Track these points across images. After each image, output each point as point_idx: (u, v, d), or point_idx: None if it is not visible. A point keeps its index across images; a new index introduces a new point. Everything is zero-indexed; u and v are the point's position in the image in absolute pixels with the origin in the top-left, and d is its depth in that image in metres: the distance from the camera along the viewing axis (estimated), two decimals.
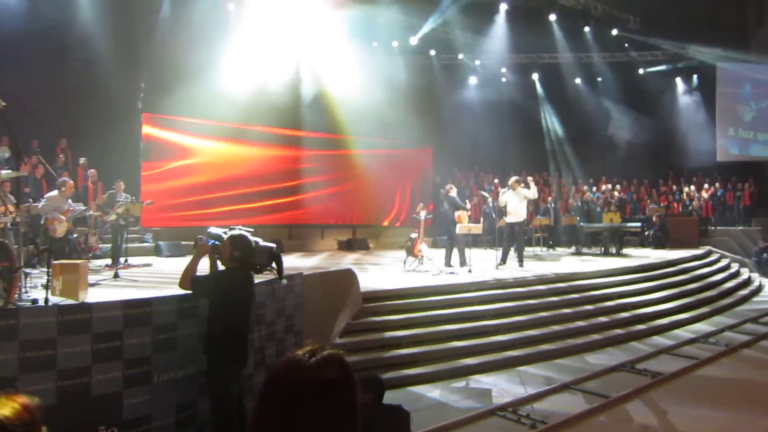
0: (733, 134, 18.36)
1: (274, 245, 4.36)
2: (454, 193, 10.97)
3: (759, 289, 13.14)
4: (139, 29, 11.63)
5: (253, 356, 4.89)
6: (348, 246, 15.88)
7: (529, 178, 11.99)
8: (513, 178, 11.49)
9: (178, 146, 13.63)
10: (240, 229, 4.39)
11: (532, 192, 11.27)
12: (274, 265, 4.37)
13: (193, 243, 4.48)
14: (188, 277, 4.25)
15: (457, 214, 10.55)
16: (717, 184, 18.64)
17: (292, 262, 11.12)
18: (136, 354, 4.17)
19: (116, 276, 8.00)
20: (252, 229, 4.48)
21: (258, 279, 4.84)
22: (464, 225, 10.24)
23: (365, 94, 17.02)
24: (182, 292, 4.36)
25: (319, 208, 16.15)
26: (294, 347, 5.82)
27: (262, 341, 4.87)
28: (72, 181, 8.79)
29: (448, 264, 10.45)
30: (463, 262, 10.25)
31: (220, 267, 4.41)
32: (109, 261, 9.63)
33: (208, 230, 4.52)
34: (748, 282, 13.34)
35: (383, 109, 17.28)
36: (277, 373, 1.20)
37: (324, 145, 16.45)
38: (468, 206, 11.33)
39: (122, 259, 9.53)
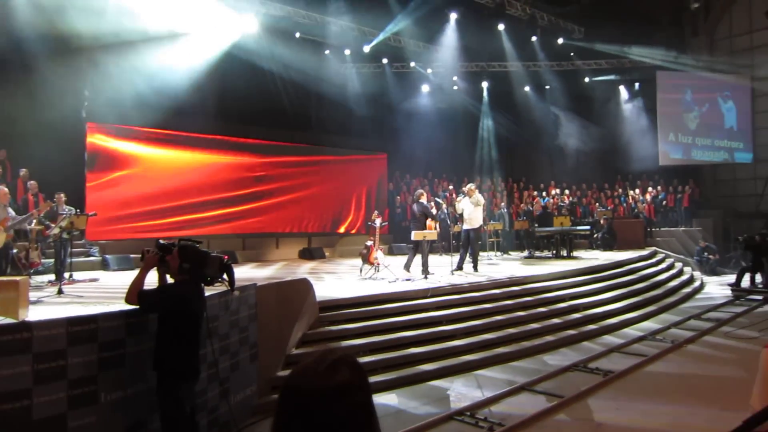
0: (674, 139, 19.18)
1: (224, 256, 4.26)
2: (424, 199, 10.86)
3: (701, 287, 13.77)
4: (81, 35, 11.17)
5: (206, 371, 4.76)
6: (304, 255, 15.72)
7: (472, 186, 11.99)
8: (468, 185, 11.62)
9: (125, 155, 13.22)
10: (188, 241, 4.28)
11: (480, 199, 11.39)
12: (225, 276, 4.27)
13: (140, 256, 4.34)
14: (135, 292, 4.10)
15: (428, 223, 10.49)
16: (659, 187, 19.45)
17: (246, 272, 10.93)
18: (82, 373, 3.98)
19: (60, 292, 7.67)
20: (201, 241, 4.37)
21: (210, 291, 4.72)
22: (419, 232, 10.19)
23: (318, 101, 16.99)
24: (130, 307, 4.21)
25: (274, 217, 15.95)
26: (248, 360, 5.72)
27: (215, 355, 4.75)
28: (6, 189, 8.39)
29: (407, 268, 10.35)
30: (425, 270, 10.05)
31: (169, 280, 4.28)
32: (52, 277, 9.22)
33: (157, 242, 4.39)
34: (690, 280, 13.95)
35: (337, 117, 17.31)
36: (290, 383, 1.21)
37: (277, 153, 16.28)
38: (435, 213, 11.25)
39: (66, 275, 9.14)
